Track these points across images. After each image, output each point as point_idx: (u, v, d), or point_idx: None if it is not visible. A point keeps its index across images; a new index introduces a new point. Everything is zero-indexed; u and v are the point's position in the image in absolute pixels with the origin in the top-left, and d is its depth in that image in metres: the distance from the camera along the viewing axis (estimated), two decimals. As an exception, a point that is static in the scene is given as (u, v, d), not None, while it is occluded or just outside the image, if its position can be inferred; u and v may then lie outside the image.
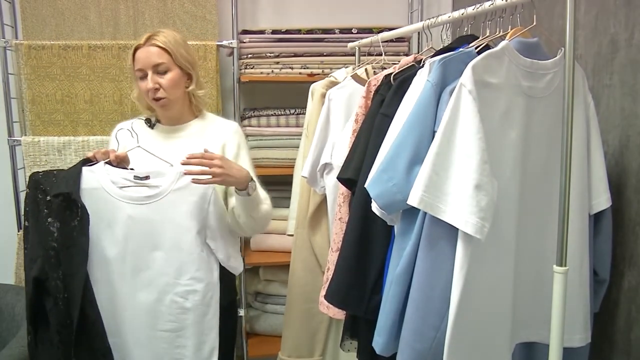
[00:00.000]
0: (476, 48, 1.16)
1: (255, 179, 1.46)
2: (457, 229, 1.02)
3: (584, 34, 1.46)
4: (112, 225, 1.36)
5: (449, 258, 1.05)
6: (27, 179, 1.35)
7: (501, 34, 1.21)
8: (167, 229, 1.38)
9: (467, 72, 1.03)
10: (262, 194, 1.48)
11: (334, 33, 2.35)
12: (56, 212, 1.31)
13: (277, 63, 2.34)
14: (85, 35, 2.29)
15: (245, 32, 2.33)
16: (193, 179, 1.33)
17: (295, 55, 2.35)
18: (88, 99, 2.24)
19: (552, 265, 1.04)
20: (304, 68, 2.35)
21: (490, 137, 1.04)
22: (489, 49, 1.10)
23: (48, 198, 1.32)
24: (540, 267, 1.17)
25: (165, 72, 1.44)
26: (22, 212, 2.24)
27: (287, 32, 2.34)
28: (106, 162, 1.38)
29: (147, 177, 1.39)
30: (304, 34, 2.34)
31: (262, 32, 2.34)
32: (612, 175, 1.29)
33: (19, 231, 2.22)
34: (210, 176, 1.33)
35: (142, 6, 2.30)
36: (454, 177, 1.03)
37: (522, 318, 1.19)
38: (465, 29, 1.35)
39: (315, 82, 2.03)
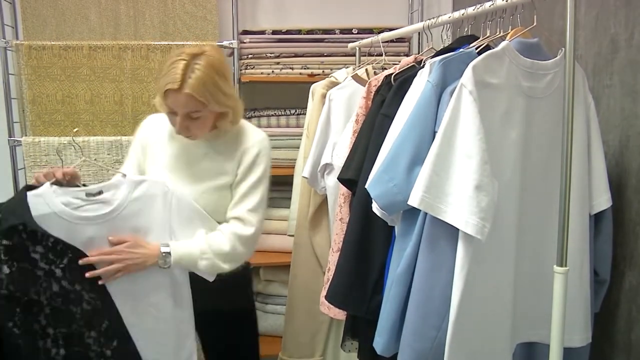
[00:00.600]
0: (477, 48, 1.16)
1: (248, 196, 1.39)
2: (458, 229, 1.02)
3: (584, 34, 1.46)
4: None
5: (449, 258, 1.05)
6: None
7: (501, 34, 1.22)
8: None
9: (468, 72, 1.03)
10: (199, 249, 1.33)
11: (335, 33, 2.36)
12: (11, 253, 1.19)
13: (278, 63, 2.35)
14: (86, 36, 2.29)
15: (246, 32, 2.34)
16: (97, 274, 1.24)
17: (296, 56, 2.35)
18: (88, 100, 2.24)
19: (552, 266, 1.04)
20: (305, 68, 2.35)
21: (490, 137, 1.04)
22: (490, 49, 1.10)
23: (2, 241, 1.18)
24: (540, 267, 1.17)
25: (196, 118, 1.32)
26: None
27: (288, 32, 2.34)
28: (52, 183, 1.25)
29: (99, 193, 1.27)
30: (304, 34, 2.35)
31: (262, 32, 2.34)
32: (612, 176, 1.29)
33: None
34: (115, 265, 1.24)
35: (143, 6, 2.30)
36: (454, 177, 1.03)
37: (523, 318, 1.19)
38: (466, 29, 1.35)
39: (315, 82, 2.03)
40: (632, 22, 1.28)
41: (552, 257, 1.05)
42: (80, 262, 1.21)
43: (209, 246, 1.33)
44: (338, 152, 1.64)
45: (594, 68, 1.42)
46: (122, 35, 2.31)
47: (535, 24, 1.15)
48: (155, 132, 1.48)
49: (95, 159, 1.40)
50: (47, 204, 1.22)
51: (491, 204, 1.01)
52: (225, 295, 1.45)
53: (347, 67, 2.06)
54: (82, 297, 1.24)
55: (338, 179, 1.44)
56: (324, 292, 1.59)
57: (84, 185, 1.31)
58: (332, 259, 1.59)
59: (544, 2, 1.23)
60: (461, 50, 1.18)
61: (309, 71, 2.35)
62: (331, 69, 2.30)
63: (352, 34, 2.35)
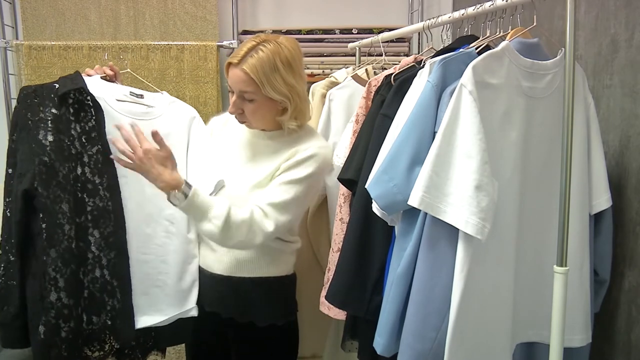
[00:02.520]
0: (476, 48, 1.16)
1: (281, 186, 1.29)
2: (458, 229, 1.02)
3: (584, 34, 1.46)
4: (108, 136, 1.30)
5: (449, 258, 1.05)
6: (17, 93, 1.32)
7: (501, 34, 1.22)
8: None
9: (468, 72, 1.03)
10: (214, 211, 1.23)
11: (334, 33, 2.36)
12: (62, 119, 1.25)
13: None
14: (86, 36, 2.29)
15: (246, 32, 2.34)
16: (113, 155, 1.23)
17: (296, 56, 2.34)
18: (88, 100, 2.24)
19: (552, 266, 1.04)
20: (305, 68, 2.35)
21: (490, 137, 1.04)
22: (490, 49, 1.10)
23: (41, 108, 1.24)
24: (540, 267, 1.17)
25: (251, 100, 1.29)
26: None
27: (288, 32, 2.34)
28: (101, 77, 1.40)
29: (142, 96, 1.41)
30: (304, 34, 2.35)
31: (262, 32, 2.34)
32: (612, 176, 1.29)
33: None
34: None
35: (143, 7, 2.30)
36: (454, 177, 1.03)
37: (523, 318, 1.19)
38: (466, 29, 1.35)
39: (315, 82, 2.03)
40: (632, 23, 1.28)
41: (552, 257, 1.05)
42: (113, 125, 1.25)
43: (225, 218, 1.22)
44: (338, 152, 1.63)
45: (594, 68, 1.42)
46: (122, 35, 2.31)
47: (535, 24, 1.15)
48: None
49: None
50: (97, 89, 1.34)
51: (491, 204, 1.01)
52: (266, 305, 1.39)
53: (347, 67, 2.06)
54: (97, 191, 1.29)
55: (338, 179, 1.44)
56: (324, 292, 1.59)
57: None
58: (332, 259, 1.59)
59: (544, 2, 1.24)
60: (461, 50, 1.18)
61: (309, 71, 2.35)
62: (331, 69, 2.30)
63: (352, 34, 2.36)
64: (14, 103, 2.22)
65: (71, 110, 1.28)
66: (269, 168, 1.35)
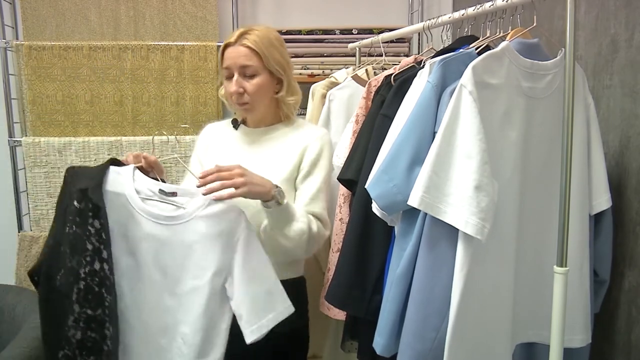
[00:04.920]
0: (476, 49, 1.16)
1: (318, 193, 1.36)
2: (458, 229, 1.02)
3: (584, 34, 1.46)
4: (126, 237, 1.21)
5: (449, 259, 1.05)
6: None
7: (501, 34, 1.22)
8: (181, 260, 1.20)
9: (468, 73, 1.03)
10: (296, 211, 1.30)
11: (335, 34, 2.36)
12: (78, 211, 1.17)
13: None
14: (86, 36, 2.29)
15: (246, 32, 2.34)
16: (215, 196, 1.16)
17: (296, 56, 2.35)
18: (88, 100, 2.24)
19: (552, 266, 1.04)
20: (305, 69, 2.35)
21: (490, 137, 1.04)
22: (490, 49, 1.10)
23: (71, 198, 1.19)
24: (540, 267, 1.17)
25: (252, 76, 1.33)
26: (23, 213, 2.27)
27: (288, 32, 2.34)
28: (136, 167, 1.24)
29: (173, 194, 1.21)
30: (304, 34, 2.35)
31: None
32: (612, 176, 1.29)
33: (19, 232, 2.22)
34: (232, 189, 1.16)
35: (143, 7, 2.30)
36: (454, 178, 1.03)
37: (523, 319, 1.19)
38: (466, 29, 1.35)
39: (315, 82, 2.03)
40: (632, 23, 1.28)
41: (552, 257, 1.05)
42: (197, 184, 1.16)
43: (304, 216, 1.29)
44: (338, 152, 1.63)
45: (594, 68, 1.42)
46: (122, 36, 2.31)
47: (535, 24, 1.15)
48: (214, 133, 1.49)
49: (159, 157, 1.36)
50: (122, 183, 1.21)
51: (491, 205, 1.01)
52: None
53: (347, 68, 2.06)
54: (114, 288, 1.19)
55: (338, 179, 1.44)
56: (323, 293, 1.59)
57: (163, 181, 1.26)
58: (332, 259, 1.59)
59: (544, 3, 1.24)
60: (461, 50, 1.18)
61: (309, 71, 2.35)
62: (331, 69, 2.30)
63: (352, 34, 2.36)
64: (14, 103, 2.23)
65: (90, 206, 1.18)
66: (287, 162, 1.38)
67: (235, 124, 1.48)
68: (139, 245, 1.20)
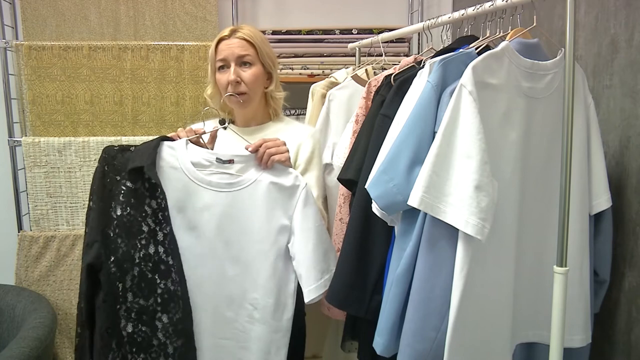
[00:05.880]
0: (476, 49, 1.16)
1: (317, 189, 1.43)
2: (458, 229, 1.02)
3: (584, 34, 1.46)
4: (184, 211, 1.20)
5: (449, 259, 1.05)
6: (100, 153, 1.21)
7: (501, 34, 1.22)
8: (245, 225, 1.21)
9: (468, 72, 1.03)
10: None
11: (334, 34, 2.36)
12: (129, 192, 1.16)
13: (278, 64, 2.34)
14: (86, 36, 2.29)
15: (246, 32, 2.33)
16: (267, 162, 1.22)
17: (296, 56, 2.35)
18: (88, 100, 2.24)
19: (552, 266, 1.04)
20: (304, 69, 2.35)
21: (490, 137, 1.04)
22: (489, 49, 1.10)
23: (118, 178, 1.17)
24: (540, 267, 1.17)
25: (249, 66, 1.39)
26: (23, 213, 2.27)
27: (288, 32, 2.34)
28: (189, 140, 1.25)
29: (230, 161, 1.22)
30: (304, 34, 2.35)
31: (262, 32, 2.33)
32: (612, 176, 1.29)
33: (19, 232, 2.22)
34: (279, 156, 1.23)
35: (143, 7, 2.30)
36: (454, 177, 1.03)
37: (523, 319, 1.19)
38: (466, 29, 1.35)
39: (315, 82, 2.03)
40: (632, 23, 1.28)
41: (552, 257, 1.05)
42: (248, 148, 1.22)
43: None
44: (338, 152, 1.64)
45: (594, 68, 1.42)
46: (122, 36, 2.31)
47: (535, 24, 1.15)
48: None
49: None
50: (177, 157, 1.20)
51: (491, 205, 1.01)
52: None
53: (347, 68, 2.06)
54: (170, 273, 1.18)
55: (338, 179, 1.44)
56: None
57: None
58: (332, 260, 1.59)
59: (544, 2, 1.24)
60: (461, 50, 1.18)
61: (308, 71, 2.35)
62: (331, 69, 2.30)
63: (352, 34, 2.36)
64: (14, 103, 2.22)
65: (146, 185, 1.17)
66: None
67: (223, 123, 1.48)
68: (200, 217, 1.20)
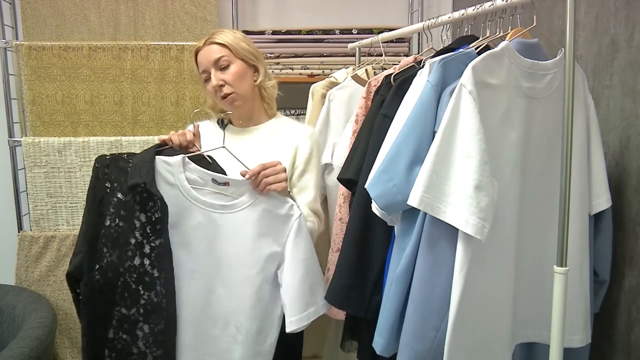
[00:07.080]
0: (476, 49, 1.16)
1: (315, 190, 1.44)
2: (457, 229, 1.02)
3: (584, 34, 1.46)
4: (178, 227, 1.21)
5: (449, 258, 1.05)
6: (94, 162, 1.20)
7: (501, 34, 1.22)
8: (234, 248, 1.22)
9: (467, 72, 1.03)
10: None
11: (334, 34, 2.36)
12: (127, 206, 1.17)
13: (278, 64, 2.35)
14: (86, 36, 2.29)
15: (246, 32, 2.33)
16: (262, 191, 1.22)
17: (296, 56, 2.35)
18: (88, 100, 2.24)
19: (552, 266, 1.04)
20: (304, 69, 2.35)
21: (490, 137, 1.04)
22: (489, 49, 1.10)
23: (110, 189, 1.17)
24: (540, 267, 1.17)
25: (227, 67, 1.40)
26: (23, 213, 2.27)
27: (288, 32, 2.34)
28: (180, 153, 1.24)
29: (226, 184, 1.23)
30: (304, 34, 2.35)
31: (262, 32, 2.34)
32: (612, 176, 1.29)
33: (19, 232, 2.22)
34: (276, 185, 1.23)
35: (143, 7, 2.30)
36: (454, 177, 1.03)
37: (523, 318, 1.19)
38: (466, 29, 1.35)
39: (315, 82, 2.03)
40: (632, 23, 1.28)
41: (552, 257, 1.05)
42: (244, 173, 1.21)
43: (310, 215, 1.38)
44: (338, 152, 1.64)
45: (594, 68, 1.42)
46: (122, 36, 2.31)
47: (535, 24, 1.15)
48: (205, 132, 1.48)
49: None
50: (172, 174, 1.20)
51: (491, 204, 1.01)
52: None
53: (347, 68, 2.06)
54: (154, 285, 1.19)
55: (338, 179, 1.44)
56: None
57: (209, 160, 1.29)
58: (332, 259, 1.59)
59: (544, 2, 1.24)
60: (461, 50, 1.18)
61: (308, 71, 2.35)
62: (331, 69, 2.30)
63: (352, 34, 2.36)
64: (14, 103, 2.22)
65: (137, 199, 1.18)
66: (284, 157, 1.40)
67: (221, 124, 1.50)
68: (192, 235, 1.21)
